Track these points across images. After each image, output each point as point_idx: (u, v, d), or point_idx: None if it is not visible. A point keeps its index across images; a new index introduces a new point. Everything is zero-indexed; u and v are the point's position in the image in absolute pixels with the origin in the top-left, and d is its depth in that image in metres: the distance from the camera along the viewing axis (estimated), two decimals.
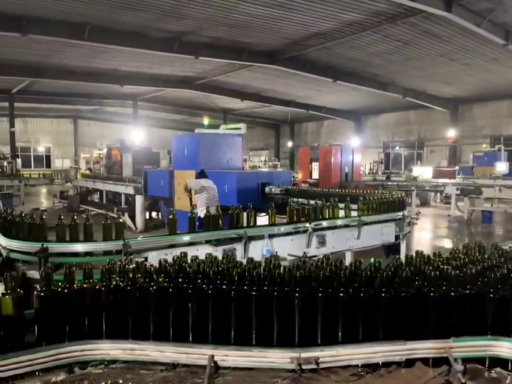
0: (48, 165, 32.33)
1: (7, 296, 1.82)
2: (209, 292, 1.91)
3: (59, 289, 1.93)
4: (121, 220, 4.15)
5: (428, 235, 11.43)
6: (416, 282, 1.97)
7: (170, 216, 4.44)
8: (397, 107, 23.42)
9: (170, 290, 1.94)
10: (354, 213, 5.46)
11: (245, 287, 1.91)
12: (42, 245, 3.53)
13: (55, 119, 32.38)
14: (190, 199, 7.43)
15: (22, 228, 3.87)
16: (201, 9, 11.03)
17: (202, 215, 6.86)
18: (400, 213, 5.78)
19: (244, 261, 2.25)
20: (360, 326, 1.87)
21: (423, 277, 1.99)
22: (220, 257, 2.38)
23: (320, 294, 1.87)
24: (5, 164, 19.14)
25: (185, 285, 1.94)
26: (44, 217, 3.83)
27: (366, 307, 1.88)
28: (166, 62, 16.32)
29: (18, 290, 1.87)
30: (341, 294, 1.88)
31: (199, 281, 1.98)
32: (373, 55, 14.77)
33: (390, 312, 1.88)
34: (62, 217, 3.83)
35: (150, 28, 12.62)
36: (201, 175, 7.69)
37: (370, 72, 17.21)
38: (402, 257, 2.45)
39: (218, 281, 1.96)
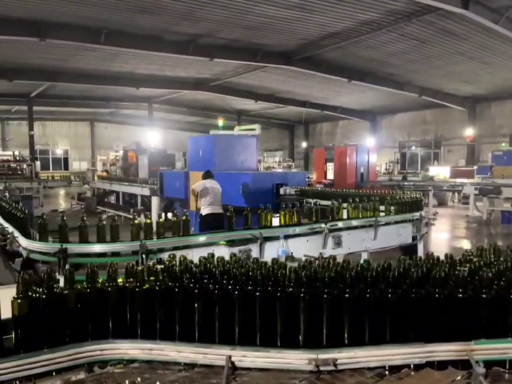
0: (66, 167, 32.91)
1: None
2: (228, 292, 1.92)
3: (79, 290, 1.96)
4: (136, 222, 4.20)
5: (445, 236, 11.27)
6: (432, 284, 1.94)
7: (228, 214, 4.71)
8: (413, 106, 23.14)
9: (192, 290, 1.95)
10: (370, 214, 5.41)
11: (268, 288, 1.91)
12: (62, 245, 3.59)
13: (73, 122, 32.95)
14: (196, 201, 7.67)
15: (42, 228, 3.93)
16: (217, 12, 11.08)
17: (204, 213, 7.14)
18: (417, 214, 5.70)
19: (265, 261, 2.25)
20: (379, 328, 1.86)
21: (446, 279, 1.96)
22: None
23: (329, 296, 1.86)
24: (25, 166, 19.54)
25: (208, 286, 1.95)
26: (64, 218, 3.90)
27: (384, 309, 1.86)
28: (181, 64, 16.45)
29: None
30: (356, 296, 1.87)
31: (224, 282, 1.98)
32: (389, 54, 14.63)
33: (409, 314, 1.86)
34: (85, 218, 3.91)
35: (166, 31, 12.74)
36: (207, 175, 7.82)
37: (386, 72, 17.04)
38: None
39: (238, 283, 1.97)
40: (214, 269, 2.14)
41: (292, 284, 1.96)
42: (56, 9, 10.95)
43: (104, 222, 3.95)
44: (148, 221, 4.15)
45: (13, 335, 1.81)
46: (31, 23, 11.77)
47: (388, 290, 1.89)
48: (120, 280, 2.04)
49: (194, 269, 2.18)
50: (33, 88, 20.50)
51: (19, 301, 1.81)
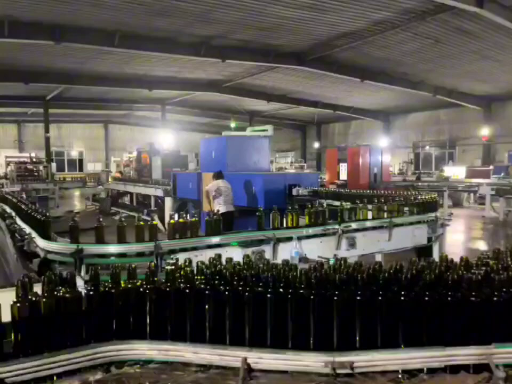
0: (81, 169, 33.32)
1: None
2: (244, 294, 1.92)
3: (102, 290, 1.98)
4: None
5: (461, 237, 11.09)
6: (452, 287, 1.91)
7: (258, 213, 4.58)
8: (427, 106, 22.89)
9: (206, 292, 1.96)
10: (384, 214, 5.36)
11: (280, 290, 1.90)
12: (78, 246, 3.64)
13: (87, 124, 33.35)
14: (210, 202, 7.91)
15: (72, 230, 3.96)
16: (230, 13, 11.10)
17: (222, 210, 7.31)
18: (433, 214, 5.64)
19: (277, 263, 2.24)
20: (396, 331, 1.84)
21: (467, 282, 1.93)
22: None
23: (341, 298, 1.85)
24: (41, 168, 19.82)
25: (221, 287, 1.95)
26: (101, 219, 3.92)
27: (402, 311, 1.84)
28: (194, 65, 16.53)
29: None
30: (379, 298, 1.85)
31: (234, 283, 1.99)
32: (402, 53, 14.50)
33: (428, 317, 1.84)
34: (123, 219, 3.96)
35: (180, 33, 12.81)
36: (218, 175, 8.09)
37: (399, 71, 16.89)
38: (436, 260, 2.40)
39: (252, 284, 1.97)
40: (225, 271, 2.14)
41: (303, 286, 1.95)
42: (71, 12, 11.08)
43: (142, 223, 4.00)
44: (181, 220, 4.22)
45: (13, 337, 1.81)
46: (47, 26, 11.93)
47: (401, 293, 1.87)
48: (122, 282, 2.05)
49: (205, 270, 2.19)
50: (49, 91, 20.80)
51: (18, 304, 1.82)
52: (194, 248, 4.08)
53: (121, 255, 3.80)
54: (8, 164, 20.35)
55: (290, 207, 5.01)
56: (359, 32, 12.52)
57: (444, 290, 1.88)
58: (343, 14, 11.09)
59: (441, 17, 11.19)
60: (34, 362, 1.74)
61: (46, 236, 4.00)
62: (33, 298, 1.84)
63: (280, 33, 12.84)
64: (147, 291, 1.98)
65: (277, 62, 15.45)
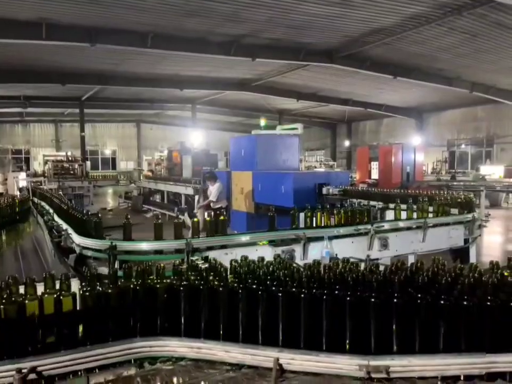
0: (114, 167, 34.17)
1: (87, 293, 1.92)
2: (277, 294, 1.90)
3: (126, 286, 2.01)
4: (196, 219, 4.37)
5: (498, 239, 10.68)
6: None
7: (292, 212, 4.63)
8: (463, 103, 22.12)
9: (239, 291, 1.95)
10: (418, 214, 5.22)
11: (314, 291, 1.88)
12: (112, 242, 3.71)
13: (120, 123, 34.16)
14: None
15: (92, 226, 4.08)
16: (260, 12, 11.09)
17: (223, 205, 8.35)
18: (470, 215, 5.43)
19: (302, 263, 2.22)
20: (434, 335, 1.77)
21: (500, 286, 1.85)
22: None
23: (395, 300, 1.80)
24: (76, 166, 20.44)
25: (254, 287, 1.94)
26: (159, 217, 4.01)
27: (440, 315, 1.77)
28: (224, 65, 16.61)
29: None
30: (418, 301, 1.79)
31: (268, 283, 1.97)
32: (437, 49, 14.06)
33: (469, 322, 1.76)
34: (179, 216, 4.06)
35: (210, 32, 12.89)
36: (215, 176, 8.87)
37: (434, 67, 16.40)
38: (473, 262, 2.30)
39: (285, 284, 1.95)
40: (278, 271, 2.10)
41: (338, 287, 1.91)
42: (106, 14, 11.35)
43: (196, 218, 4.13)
44: None
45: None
46: (82, 28, 12.25)
47: (439, 297, 1.80)
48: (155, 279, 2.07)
49: (239, 269, 2.18)
50: (85, 92, 21.44)
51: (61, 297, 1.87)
52: (224, 247, 4.10)
53: (155, 252, 3.86)
54: (46, 162, 21.13)
55: (320, 206, 4.96)
56: (391, 27, 12.23)
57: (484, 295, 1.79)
58: (374, 9, 10.84)
59: (478, 12, 10.77)
60: (70, 356, 1.78)
61: (84, 233, 4.11)
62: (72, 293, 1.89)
63: (310, 31, 12.71)
64: (200, 287, 1.99)
65: (308, 60, 15.30)
